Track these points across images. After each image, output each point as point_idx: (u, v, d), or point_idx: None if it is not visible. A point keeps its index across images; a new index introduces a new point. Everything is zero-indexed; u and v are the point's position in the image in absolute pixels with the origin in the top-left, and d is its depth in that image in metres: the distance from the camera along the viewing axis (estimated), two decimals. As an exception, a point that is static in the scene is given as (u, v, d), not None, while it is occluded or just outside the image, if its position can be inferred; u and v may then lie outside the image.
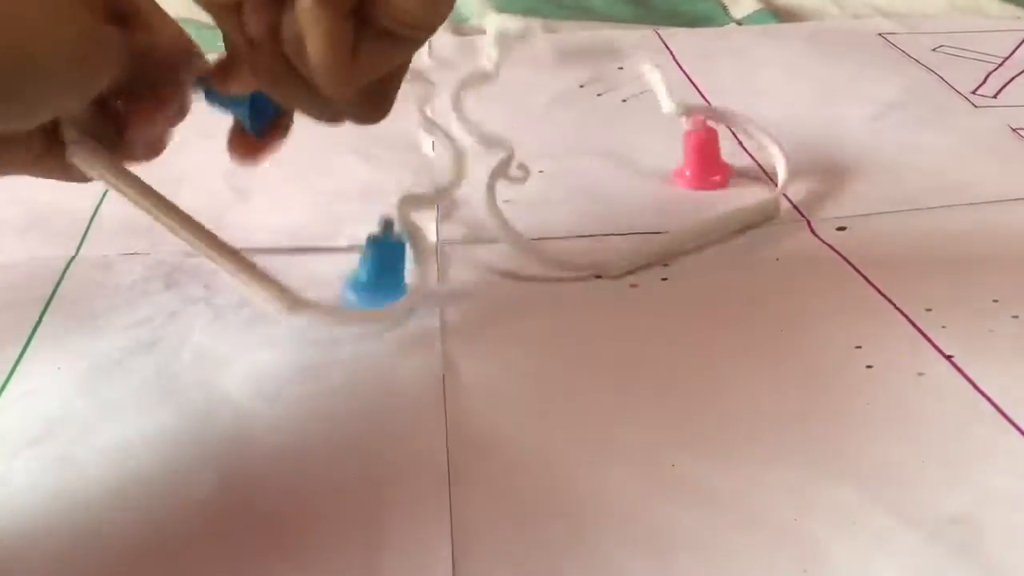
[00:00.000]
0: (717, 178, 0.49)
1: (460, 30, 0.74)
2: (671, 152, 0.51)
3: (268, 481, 0.32)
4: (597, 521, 0.30)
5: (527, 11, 0.77)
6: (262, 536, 0.30)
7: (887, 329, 0.38)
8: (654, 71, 0.52)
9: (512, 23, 0.75)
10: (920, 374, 0.36)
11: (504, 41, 0.48)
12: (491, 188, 0.43)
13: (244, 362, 0.37)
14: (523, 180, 0.44)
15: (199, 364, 0.37)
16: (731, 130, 0.55)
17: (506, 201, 0.44)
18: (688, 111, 0.50)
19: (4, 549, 0.29)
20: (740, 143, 0.54)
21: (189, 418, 0.34)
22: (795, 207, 0.48)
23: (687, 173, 0.50)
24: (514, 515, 0.30)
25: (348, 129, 0.52)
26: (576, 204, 0.48)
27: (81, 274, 0.43)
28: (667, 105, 0.51)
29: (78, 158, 0.31)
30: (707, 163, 0.49)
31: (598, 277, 0.42)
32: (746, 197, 0.48)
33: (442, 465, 0.32)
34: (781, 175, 0.48)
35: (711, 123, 0.50)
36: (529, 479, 0.32)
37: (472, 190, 0.44)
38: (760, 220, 0.46)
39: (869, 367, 0.36)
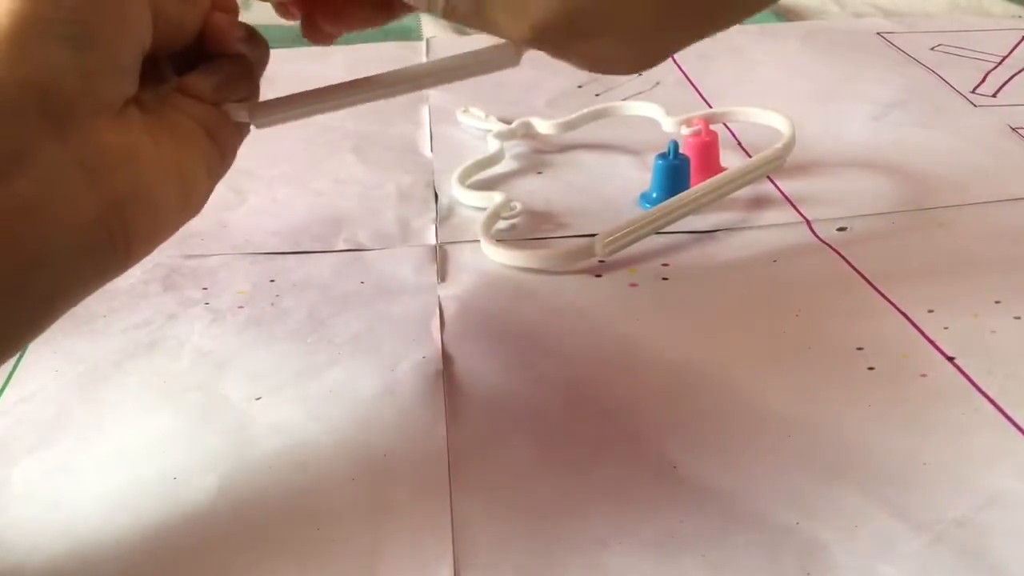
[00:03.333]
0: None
1: (461, 30, 0.74)
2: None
3: (267, 483, 0.32)
4: (597, 521, 0.30)
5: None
6: (262, 538, 0.30)
7: (889, 331, 0.38)
8: (650, 105, 0.54)
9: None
10: (922, 376, 0.36)
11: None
12: (486, 230, 0.45)
13: (243, 364, 0.37)
14: (516, 216, 0.47)
15: (198, 366, 0.37)
16: (730, 130, 0.55)
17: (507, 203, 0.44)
18: (687, 120, 0.51)
19: (4, 559, 0.29)
20: (739, 144, 0.54)
21: (188, 420, 0.34)
22: (795, 207, 0.47)
23: (687, 174, 0.50)
24: (514, 514, 0.30)
25: (347, 129, 0.52)
26: (575, 203, 0.48)
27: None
28: (667, 124, 0.52)
29: (257, 118, 0.31)
30: (707, 165, 0.49)
31: (598, 276, 0.42)
32: (744, 199, 0.48)
33: (442, 464, 0.32)
34: (786, 131, 0.49)
35: (712, 126, 0.50)
36: (529, 478, 0.32)
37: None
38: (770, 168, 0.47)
39: (871, 369, 0.36)
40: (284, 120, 0.32)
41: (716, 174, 0.46)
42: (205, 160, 0.30)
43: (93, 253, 0.26)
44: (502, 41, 0.31)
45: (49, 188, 0.25)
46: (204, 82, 0.30)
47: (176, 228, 0.30)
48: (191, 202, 0.30)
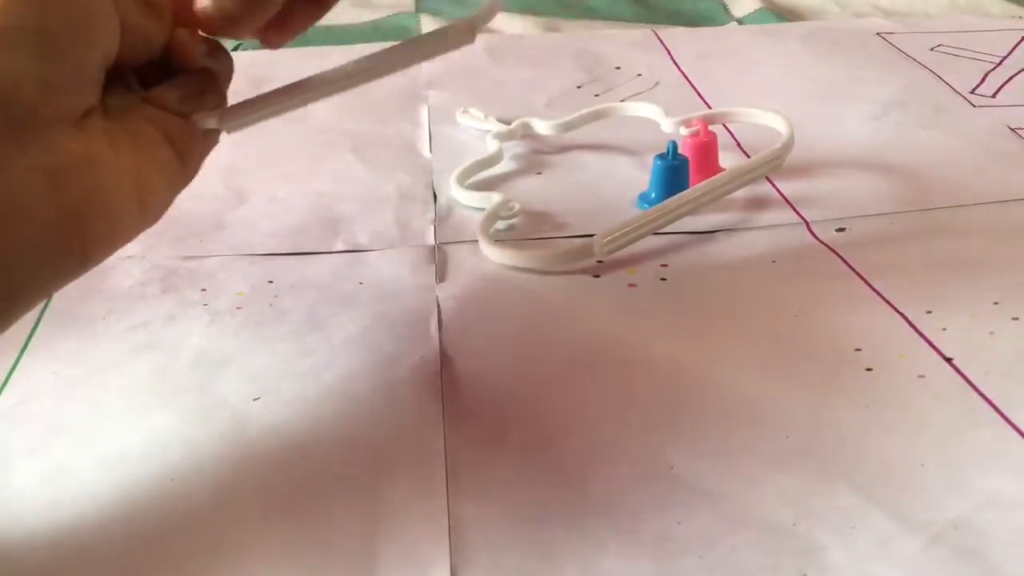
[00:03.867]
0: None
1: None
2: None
3: (265, 484, 0.32)
4: (595, 523, 0.30)
5: (527, 10, 0.77)
6: (259, 539, 0.30)
7: (887, 331, 0.38)
8: (649, 105, 0.54)
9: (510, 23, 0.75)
10: (920, 376, 0.36)
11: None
12: (485, 230, 0.45)
13: (241, 365, 0.37)
14: (515, 216, 0.47)
15: (196, 367, 0.37)
16: (729, 131, 0.55)
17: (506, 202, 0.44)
18: (686, 121, 0.51)
19: (3, 560, 0.29)
20: (739, 145, 0.54)
21: (186, 422, 0.34)
22: (793, 208, 0.47)
23: (685, 174, 0.49)
24: (512, 515, 0.30)
25: (346, 129, 0.52)
26: (574, 204, 0.48)
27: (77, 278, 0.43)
28: (666, 125, 0.52)
29: (226, 123, 0.32)
30: (705, 165, 0.49)
31: (596, 276, 0.42)
32: (742, 199, 0.48)
33: (440, 465, 0.32)
34: (785, 132, 0.49)
35: (711, 127, 0.50)
36: (526, 479, 0.32)
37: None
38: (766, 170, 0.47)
39: (869, 370, 0.36)
40: (253, 122, 0.32)
41: (715, 175, 0.46)
42: (165, 169, 0.31)
43: (52, 256, 0.27)
44: (456, 21, 0.31)
45: (10, 194, 0.25)
46: (169, 94, 0.31)
47: (134, 234, 0.30)
48: (149, 210, 0.30)
